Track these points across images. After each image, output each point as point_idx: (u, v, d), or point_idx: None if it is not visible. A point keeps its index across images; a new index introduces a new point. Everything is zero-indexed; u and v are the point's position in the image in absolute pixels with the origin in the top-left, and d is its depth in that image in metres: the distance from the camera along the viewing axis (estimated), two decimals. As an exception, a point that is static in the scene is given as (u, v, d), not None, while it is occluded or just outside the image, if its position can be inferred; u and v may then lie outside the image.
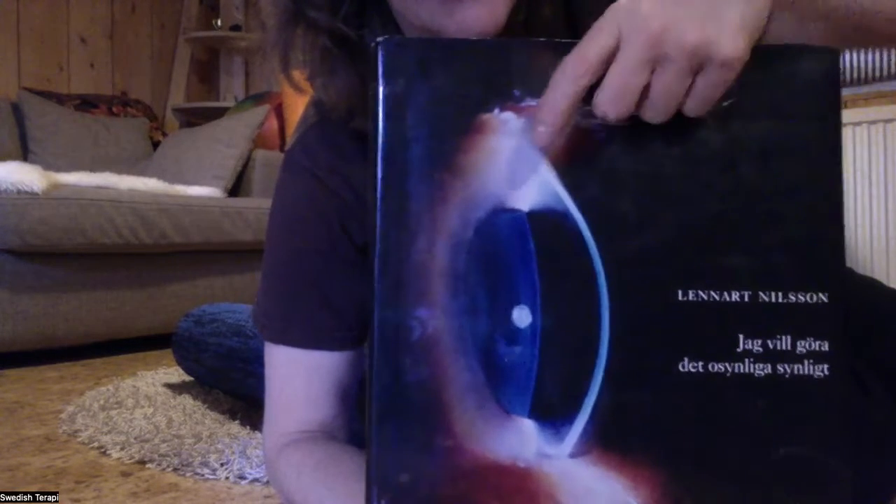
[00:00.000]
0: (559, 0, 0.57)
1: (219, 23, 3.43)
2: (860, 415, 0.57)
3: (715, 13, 0.35)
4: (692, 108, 0.36)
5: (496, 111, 0.37)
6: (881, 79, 2.19)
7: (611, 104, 0.36)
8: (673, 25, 0.34)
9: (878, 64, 2.19)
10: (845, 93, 2.17)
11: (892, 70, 2.18)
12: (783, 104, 0.38)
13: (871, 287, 0.66)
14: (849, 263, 0.55)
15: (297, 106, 2.57)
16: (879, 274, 2.04)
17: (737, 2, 0.36)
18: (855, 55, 2.19)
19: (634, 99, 0.36)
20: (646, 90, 0.36)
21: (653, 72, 0.35)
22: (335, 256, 0.60)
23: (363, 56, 0.54)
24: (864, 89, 2.16)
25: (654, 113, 0.36)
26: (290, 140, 0.65)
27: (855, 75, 2.20)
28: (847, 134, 2.04)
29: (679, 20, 0.34)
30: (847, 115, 2.03)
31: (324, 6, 0.53)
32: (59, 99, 2.70)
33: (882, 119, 2.06)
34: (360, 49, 0.55)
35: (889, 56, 2.18)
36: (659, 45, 0.34)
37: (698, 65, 0.35)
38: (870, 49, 2.19)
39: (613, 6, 0.36)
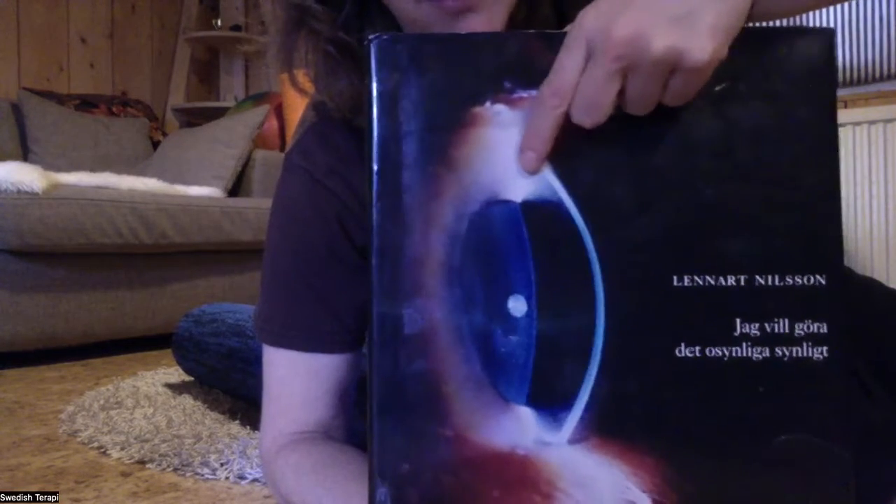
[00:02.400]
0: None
1: (219, 23, 3.43)
2: (860, 415, 0.57)
3: (688, 15, 0.34)
4: (669, 102, 0.37)
5: (488, 104, 0.38)
6: (881, 79, 2.19)
7: (585, 115, 0.36)
8: (640, 33, 0.34)
9: (878, 64, 2.19)
10: (845, 93, 2.17)
11: (892, 70, 2.18)
12: (778, 87, 0.38)
13: (870, 287, 0.66)
14: (848, 263, 0.55)
15: (297, 106, 2.58)
16: (879, 274, 2.04)
17: (712, 0, 0.35)
18: (855, 55, 2.19)
19: (608, 107, 0.36)
20: (623, 89, 0.36)
21: (626, 76, 0.35)
22: (335, 259, 0.60)
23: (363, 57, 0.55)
24: (864, 89, 2.16)
25: (634, 110, 0.37)
26: (289, 142, 0.65)
27: (855, 75, 2.20)
28: (847, 134, 2.04)
29: (647, 26, 0.34)
30: (847, 115, 2.04)
31: (323, 17, 0.54)
32: (59, 99, 2.70)
33: (882, 119, 2.06)
34: (362, 52, 0.55)
35: (889, 56, 2.18)
36: (626, 55, 0.34)
37: (668, 70, 0.35)
38: (870, 49, 2.19)
39: (582, 15, 0.36)
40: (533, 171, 0.37)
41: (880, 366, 0.60)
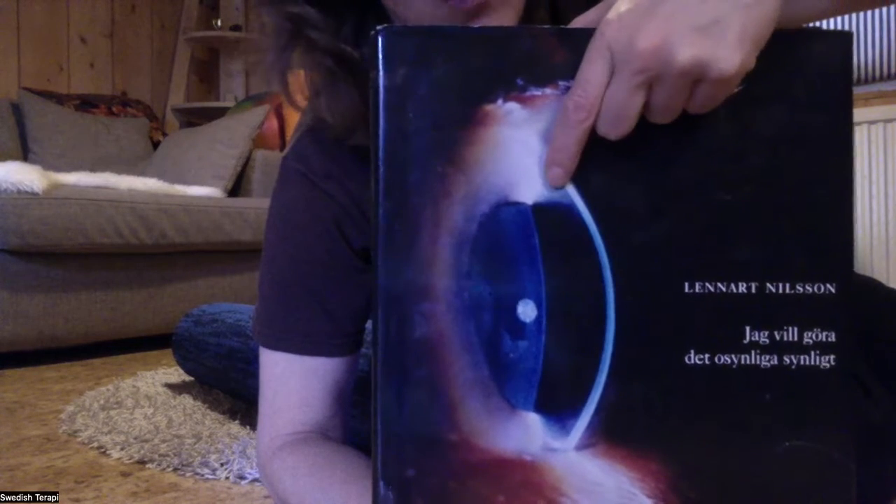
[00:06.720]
0: (548, 2, 0.58)
1: (219, 23, 3.43)
2: (860, 415, 0.57)
3: (714, 24, 0.33)
4: (693, 110, 0.36)
5: (499, 101, 0.36)
6: (881, 79, 2.19)
7: (611, 127, 0.35)
8: (665, 42, 0.33)
9: (878, 64, 2.19)
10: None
11: (892, 70, 2.18)
12: (793, 91, 0.37)
13: (870, 287, 0.66)
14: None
15: (297, 106, 2.57)
16: (879, 274, 2.04)
17: (741, 8, 0.34)
18: (855, 55, 2.19)
19: (634, 118, 0.35)
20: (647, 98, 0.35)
21: (650, 87, 0.34)
22: (332, 262, 0.60)
23: (365, 73, 0.53)
24: (864, 89, 2.16)
25: (657, 119, 0.36)
26: (288, 144, 0.65)
27: (855, 75, 2.20)
28: (847, 134, 2.04)
29: (672, 35, 0.33)
30: (847, 115, 2.04)
31: (325, 27, 0.53)
32: (59, 99, 2.70)
33: (882, 119, 2.06)
34: (362, 66, 0.54)
35: (889, 56, 2.18)
36: (650, 67, 0.33)
37: (694, 81, 0.34)
38: (870, 49, 2.19)
39: (604, 23, 0.35)
40: (560, 186, 0.37)
41: (880, 366, 0.60)
